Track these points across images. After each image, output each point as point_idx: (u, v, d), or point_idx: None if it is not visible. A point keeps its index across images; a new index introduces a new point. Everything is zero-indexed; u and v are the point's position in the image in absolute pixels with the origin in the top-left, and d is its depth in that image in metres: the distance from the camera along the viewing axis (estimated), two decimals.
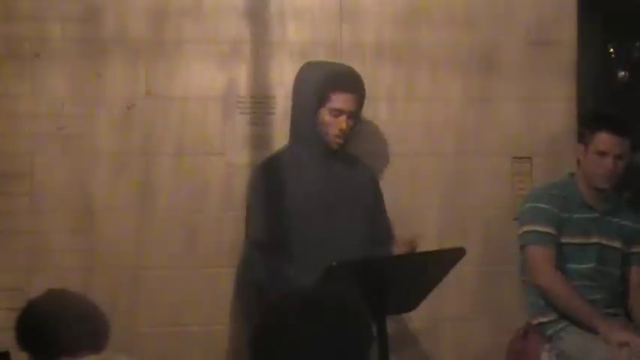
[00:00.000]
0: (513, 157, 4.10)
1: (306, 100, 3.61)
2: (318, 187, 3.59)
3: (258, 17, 3.94)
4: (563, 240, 3.64)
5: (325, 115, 3.58)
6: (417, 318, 3.90)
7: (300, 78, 3.69)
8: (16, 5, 3.82)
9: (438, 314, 3.94)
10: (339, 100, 3.58)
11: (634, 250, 3.75)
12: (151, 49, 3.88)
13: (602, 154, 3.63)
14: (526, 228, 3.67)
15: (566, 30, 4.11)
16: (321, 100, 3.57)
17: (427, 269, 3.11)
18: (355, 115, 3.64)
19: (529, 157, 4.10)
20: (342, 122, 3.58)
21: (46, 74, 3.83)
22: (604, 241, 3.69)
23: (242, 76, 3.93)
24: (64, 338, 2.45)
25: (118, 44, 3.86)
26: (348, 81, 3.63)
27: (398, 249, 3.40)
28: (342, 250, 3.44)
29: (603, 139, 3.63)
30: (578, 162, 3.73)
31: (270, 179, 3.60)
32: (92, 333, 2.50)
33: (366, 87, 3.71)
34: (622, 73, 4.61)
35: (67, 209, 3.83)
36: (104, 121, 3.86)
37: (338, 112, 3.58)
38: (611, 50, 4.59)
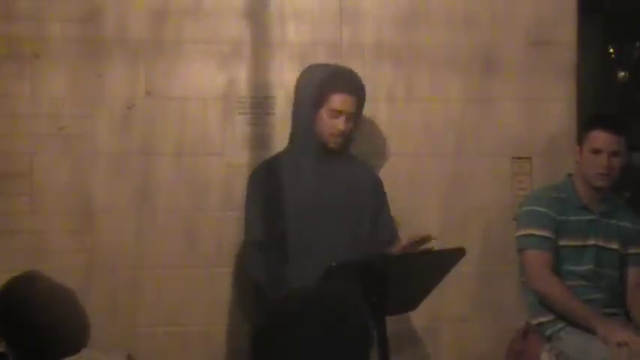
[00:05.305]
0: (513, 158, 4.10)
1: (305, 101, 3.62)
2: (315, 188, 3.59)
3: (258, 18, 3.94)
4: (561, 242, 3.65)
5: (324, 116, 3.58)
6: (417, 318, 3.91)
7: (301, 80, 3.70)
8: (16, 5, 3.82)
9: (438, 314, 3.95)
10: (338, 101, 3.58)
11: (631, 251, 3.75)
12: (150, 49, 3.88)
13: (596, 151, 3.64)
14: (523, 232, 3.67)
15: (566, 30, 4.12)
16: (320, 101, 3.58)
17: (427, 269, 3.11)
18: (355, 118, 3.64)
19: (529, 158, 4.11)
20: (341, 123, 3.58)
21: (45, 74, 3.83)
22: (601, 243, 3.69)
23: (242, 76, 3.93)
24: (46, 346, 2.42)
25: (117, 44, 3.86)
26: (348, 82, 3.63)
27: (407, 247, 3.33)
28: (339, 251, 3.44)
29: (597, 137, 3.64)
30: (577, 164, 3.74)
31: (267, 180, 3.60)
32: (71, 337, 2.46)
33: (366, 87, 3.71)
34: (622, 74, 4.62)
35: (66, 209, 3.83)
36: (104, 121, 3.87)
37: (337, 113, 3.58)
38: (611, 51, 4.60)
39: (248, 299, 3.73)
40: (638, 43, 4.64)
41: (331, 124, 3.58)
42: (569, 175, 3.79)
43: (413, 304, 3.19)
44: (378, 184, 3.79)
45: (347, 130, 3.60)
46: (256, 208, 3.59)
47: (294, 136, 3.69)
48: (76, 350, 2.43)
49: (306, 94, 3.61)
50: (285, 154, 3.69)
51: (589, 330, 3.48)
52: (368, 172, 3.80)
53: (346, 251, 3.48)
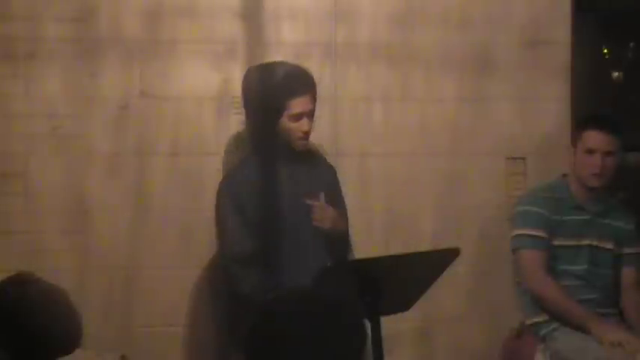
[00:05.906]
0: (507, 158, 4.11)
1: (263, 111, 3.54)
2: (288, 190, 3.54)
3: (252, 17, 3.93)
4: (556, 242, 3.65)
5: (287, 123, 3.49)
6: (411, 318, 3.89)
7: (252, 86, 3.59)
8: (11, 5, 3.82)
9: (433, 315, 3.95)
10: (298, 105, 3.49)
11: (626, 251, 3.76)
12: (145, 49, 3.88)
13: (590, 151, 3.64)
14: (517, 232, 3.68)
15: (561, 30, 4.12)
16: (280, 110, 3.49)
17: (421, 269, 3.10)
18: (314, 112, 3.57)
19: (523, 158, 4.11)
20: (304, 124, 3.50)
21: (40, 74, 3.82)
22: (596, 243, 3.70)
23: (236, 76, 3.91)
24: (38, 347, 2.41)
25: (112, 44, 3.86)
26: (302, 83, 3.53)
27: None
28: (329, 250, 3.44)
29: (590, 137, 3.64)
30: (572, 164, 3.74)
31: (244, 191, 3.52)
32: (64, 338, 2.45)
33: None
34: (616, 74, 4.62)
35: (61, 209, 3.83)
36: (98, 121, 3.86)
37: (299, 116, 3.50)
38: (605, 51, 4.60)
39: (234, 312, 3.66)
40: (632, 44, 4.64)
41: (295, 127, 3.49)
42: (564, 175, 3.79)
43: (407, 305, 3.19)
44: (336, 176, 3.76)
45: (311, 128, 3.56)
46: (233, 219, 3.50)
47: (257, 143, 3.63)
48: (69, 351, 2.42)
49: (262, 100, 3.53)
50: (252, 162, 3.61)
51: (583, 330, 3.48)
52: (328, 164, 3.78)
53: (326, 248, 3.48)
